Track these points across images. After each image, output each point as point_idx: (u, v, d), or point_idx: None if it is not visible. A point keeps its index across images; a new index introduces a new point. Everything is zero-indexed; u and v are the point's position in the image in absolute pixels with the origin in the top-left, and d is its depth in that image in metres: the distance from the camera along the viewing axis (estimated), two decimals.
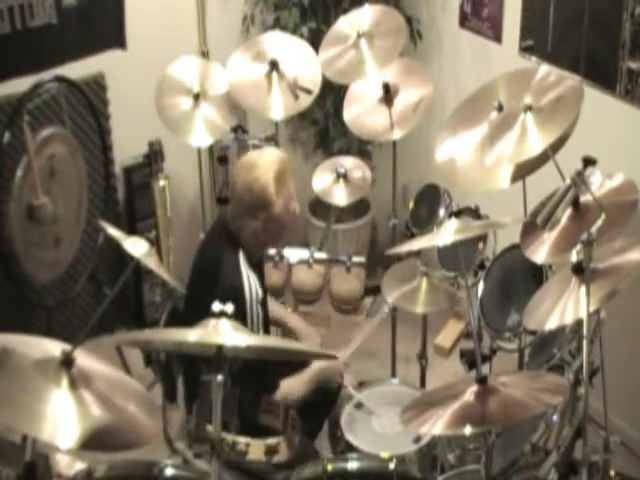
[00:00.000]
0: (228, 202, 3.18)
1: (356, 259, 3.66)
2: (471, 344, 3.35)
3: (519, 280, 3.29)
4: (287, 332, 3.55)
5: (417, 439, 2.93)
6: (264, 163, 3.04)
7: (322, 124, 4.77)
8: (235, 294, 2.92)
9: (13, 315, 4.06)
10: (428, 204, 3.81)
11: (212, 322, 2.20)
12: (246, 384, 2.37)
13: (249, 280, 3.03)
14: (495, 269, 3.42)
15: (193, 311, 3.03)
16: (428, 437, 2.92)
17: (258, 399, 3.01)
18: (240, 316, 2.90)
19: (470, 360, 3.19)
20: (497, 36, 4.22)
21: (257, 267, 3.17)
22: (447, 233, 2.67)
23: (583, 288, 2.35)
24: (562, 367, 2.92)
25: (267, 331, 3.18)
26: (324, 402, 3.27)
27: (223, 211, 3.38)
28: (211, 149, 4.31)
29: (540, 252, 2.85)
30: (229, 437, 2.88)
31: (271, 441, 2.93)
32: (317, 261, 3.67)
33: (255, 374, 2.48)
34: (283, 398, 3.07)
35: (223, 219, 3.18)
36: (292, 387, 3.12)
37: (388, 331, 3.93)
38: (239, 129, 4.01)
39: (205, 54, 4.50)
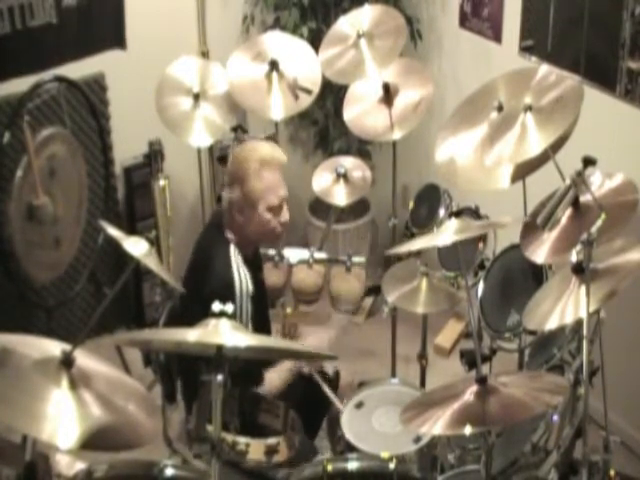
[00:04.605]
0: None
1: (356, 259, 3.65)
2: (471, 344, 3.35)
3: (519, 280, 3.29)
4: (287, 333, 3.55)
5: (417, 439, 2.92)
6: (258, 145, 3.17)
7: (322, 124, 4.77)
8: (225, 286, 2.99)
9: (13, 315, 4.06)
10: (428, 204, 3.81)
11: (212, 322, 2.19)
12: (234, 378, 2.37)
13: (239, 274, 3.06)
14: (495, 269, 3.42)
15: (187, 305, 3.07)
16: (428, 437, 2.92)
17: (256, 397, 3.02)
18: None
19: (470, 360, 3.19)
20: (497, 36, 4.22)
21: (252, 264, 3.17)
22: (447, 233, 2.68)
23: (583, 288, 2.35)
24: (562, 367, 2.92)
25: (259, 327, 3.16)
26: (322, 398, 3.27)
27: (217, 208, 3.39)
28: (211, 149, 4.31)
29: (540, 252, 2.85)
30: (229, 437, 2.88)
31: (271, 441, 2.93)
32: (317, 261, 3.66)
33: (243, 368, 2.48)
34: (269, 389, 3.12)
35: (216, 215, 3.22)
36: (273, 378, 3.17)
37: (388, 331, 3.93)
38: (239, 129, 4.02)
39: (205, 54, 4.50)
